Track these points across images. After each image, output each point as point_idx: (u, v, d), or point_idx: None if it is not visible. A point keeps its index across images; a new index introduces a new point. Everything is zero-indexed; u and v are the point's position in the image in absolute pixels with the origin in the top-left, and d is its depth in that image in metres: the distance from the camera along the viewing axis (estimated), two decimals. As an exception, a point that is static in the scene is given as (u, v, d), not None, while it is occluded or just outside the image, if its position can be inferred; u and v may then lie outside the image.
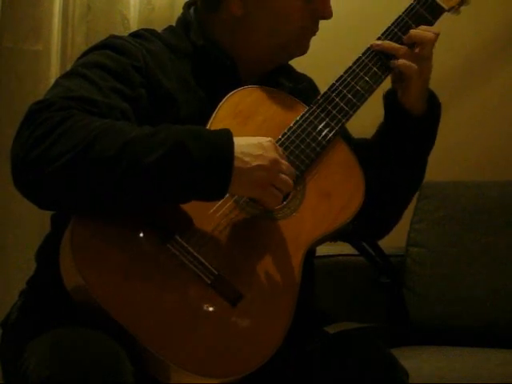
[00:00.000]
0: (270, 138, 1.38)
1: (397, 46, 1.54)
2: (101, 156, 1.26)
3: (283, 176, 1.36)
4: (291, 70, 1.67)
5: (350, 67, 1.54)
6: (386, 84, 1.58)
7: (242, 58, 1.55)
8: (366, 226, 1.63)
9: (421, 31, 1.54)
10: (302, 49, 1.59)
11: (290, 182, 1.38)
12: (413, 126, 1.56)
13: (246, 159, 1.32)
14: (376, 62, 1.55)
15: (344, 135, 1.56)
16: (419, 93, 1.56)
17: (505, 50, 2.68)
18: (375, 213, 1.60)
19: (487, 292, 2.26)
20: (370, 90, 1.53)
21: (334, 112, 1.50)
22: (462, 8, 1.64)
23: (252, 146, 1.34)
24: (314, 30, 1.58)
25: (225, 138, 1.32)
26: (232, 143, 1.32)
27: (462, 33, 2.62)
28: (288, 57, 1.61)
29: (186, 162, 1.28)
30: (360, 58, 1.54)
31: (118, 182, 1.27)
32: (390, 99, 1.59)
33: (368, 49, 1.55)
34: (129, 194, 1.28)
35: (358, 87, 1.52)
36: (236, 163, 1.31)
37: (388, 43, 1.54)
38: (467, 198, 2.39)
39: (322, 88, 1.67)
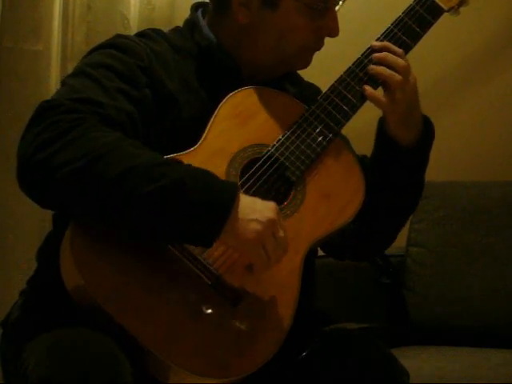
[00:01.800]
0: (274, 203, 1.34)
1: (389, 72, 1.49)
2: (101, 175, 1.26)
3: (275, 242, 1.31)
4: (298, 77, 1.66)
5: (350, 68, 1.53)
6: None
7: (245, 62, 1.54)
8: (357, 247, 1.62)
9: (388, 73, 1.49)
10: (304, 64, 1.57)
11: (281, 251, 1.32)
12: (399, 155, 1.52)
13: (245, 211, 1.29)
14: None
15: None
16: (400, 124, 1.51)
17: (506, 50, 2.68)
18: (367, 234, 1.58)
19: (487, 292, 2.27)
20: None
21: (334, 113, 1.50)
22: (462, 9, 1.64)
23: (255, 202, 1.32)
24: (318, 46, 1.56)
25: (230, 190, 1.29)
26: (236, 194, 1.28)
27: (463, 32, 2.62)
28: (289, 69, 1.60)
29: (180, 200, 1.26)
30: (359, 58, 1.54)
31: (114, 204, 1.26)
32: (379, 124, 1.55)
33: (368, 49, 1.55)
34: (120, 218, 1.27)
35: (357, 87, 1.52)
36: (233, 211, 1.27)
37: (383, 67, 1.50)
38: (467, 198, 2.39)
39: (324, 89, 1.67)
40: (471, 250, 2.32)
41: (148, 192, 1.25)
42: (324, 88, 1.56)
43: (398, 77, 1.49)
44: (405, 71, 1.49)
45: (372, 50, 1.53)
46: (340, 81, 1.52)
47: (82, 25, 2.43)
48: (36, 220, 2.29)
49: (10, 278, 2.30)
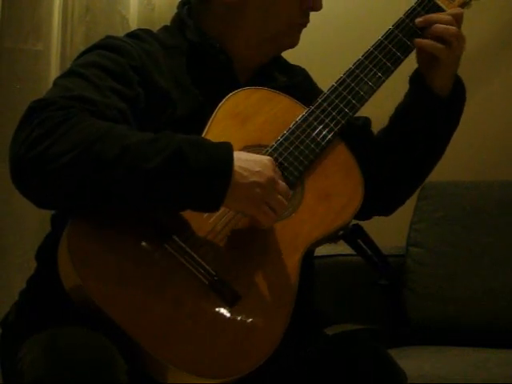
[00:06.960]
0: (269, 157, 1.39)
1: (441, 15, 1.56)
2: (100, 158, 1.26)
3: (278, 196, 1.36)
4: (284, 62, 1.67)
5: (350, 68, 1.53)
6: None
7: (235, 53, 1.55)
8: (378, 200, 1.64)
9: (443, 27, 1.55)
10: (293, 42, 1.59)
11: (285, 202, 1.37)
12: (441, 107, 1.58)
13: (245, 174, 1.32)
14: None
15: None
16: (450, 71, 1.58)
17: (506, 50, 2.68)
18: (390, 186, 1.63)
19: (487, 292, 2.27)
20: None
21: (334, 113, 1.50)
22: (464, 10, 1.64)
23: (251, 161, 1.34)
24: (303, 22, 1.58)
25: (225, 151, 1.32)
26: (232, 157, 1.31)
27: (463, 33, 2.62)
28: (278, 49, 1.61)
29: (184, 171, 1.28)
30: (361, 59, 1.54)
31: (115, 185, 1.27)
32: (416, 82, 1.59)
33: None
34: (125, 198, 1.28)
35: (358, 89, 1.52)
36: (234, 177, 1.30)
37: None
38: (467, 198, 2.39)
39: (319, 82, 1.67)
40: (471, 250, 2.32)
41: (149, 168, 1.27)
42: (320, 82, 1.56)
43: (453, 29, 1.55)
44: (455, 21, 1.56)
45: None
46: (340, 82, 1.52)
47: (81, 25, 2.42)
48: (36, 220, 2.29)
49: (10, 278, 2.29)
